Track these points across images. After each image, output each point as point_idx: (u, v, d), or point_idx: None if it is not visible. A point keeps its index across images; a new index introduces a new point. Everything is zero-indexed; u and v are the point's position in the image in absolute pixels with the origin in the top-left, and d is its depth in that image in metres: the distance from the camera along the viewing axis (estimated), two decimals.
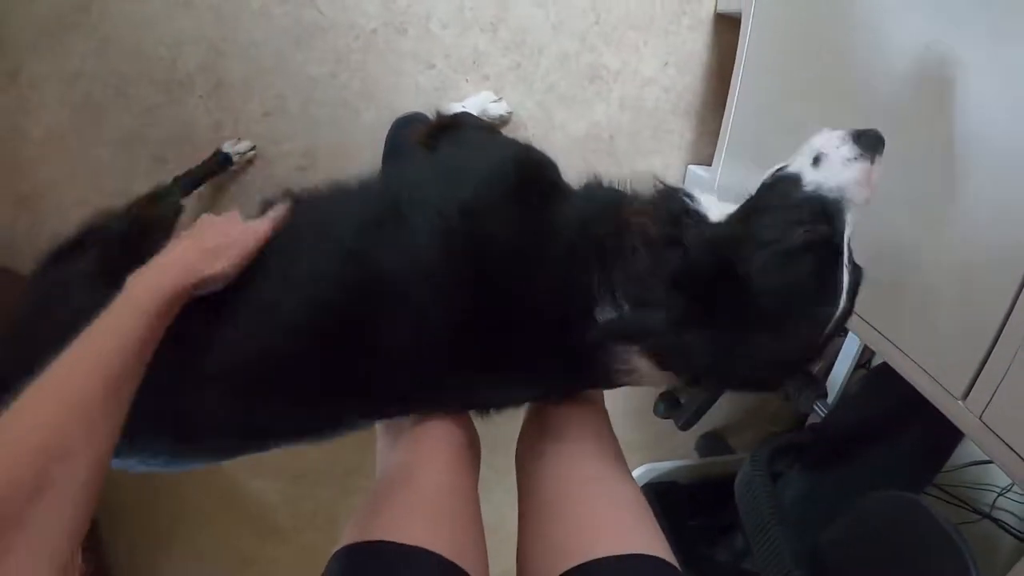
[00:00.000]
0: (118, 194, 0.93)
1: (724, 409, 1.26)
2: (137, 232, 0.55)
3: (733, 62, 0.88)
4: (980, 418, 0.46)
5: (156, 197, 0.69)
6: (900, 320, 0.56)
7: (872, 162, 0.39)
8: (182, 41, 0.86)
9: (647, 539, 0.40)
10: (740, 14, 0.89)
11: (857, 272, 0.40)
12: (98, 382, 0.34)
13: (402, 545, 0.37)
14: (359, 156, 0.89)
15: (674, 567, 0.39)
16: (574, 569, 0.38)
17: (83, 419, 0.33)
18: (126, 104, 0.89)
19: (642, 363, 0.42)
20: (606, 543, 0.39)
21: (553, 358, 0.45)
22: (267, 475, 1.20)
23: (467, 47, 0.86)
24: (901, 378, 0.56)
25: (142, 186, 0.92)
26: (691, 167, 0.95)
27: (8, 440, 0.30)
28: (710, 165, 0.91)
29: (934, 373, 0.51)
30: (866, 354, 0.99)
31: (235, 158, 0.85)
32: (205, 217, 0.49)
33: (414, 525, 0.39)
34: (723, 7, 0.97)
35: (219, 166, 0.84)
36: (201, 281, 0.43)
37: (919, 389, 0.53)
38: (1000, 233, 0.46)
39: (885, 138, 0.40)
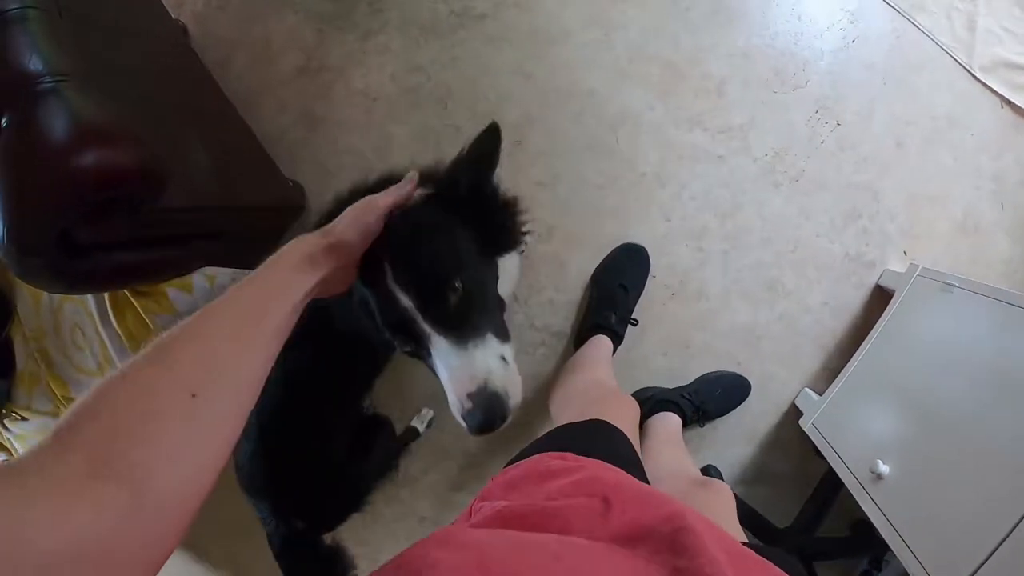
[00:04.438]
0: (388, 166, 1.14)
1: None
2: None
3: (872, 327, 1.07)
4: None
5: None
6: (916, 527, 0.74)
7: None
8: (509, 97, 1.07)
9: None
10: (893, 292, 1.10)
11: None
12: (249, 314, 0.36)
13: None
14: (583, 244, 1.09)
15: None
16: None
17: (233, 347, 0.34)
18: (440, 110, 1.09)
19: None
20: None
21: None
22: None
23: (700, 221, 1.07)
24: None
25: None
26: (807, 389, 1.12)
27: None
28: (820, 395, 1.08)
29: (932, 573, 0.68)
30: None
31: (421, 429, 1.10)
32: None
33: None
34: (883, 282, 1.17)
35: (412, 437, 1.11)
36: (336, 241, 0.44)
37: None
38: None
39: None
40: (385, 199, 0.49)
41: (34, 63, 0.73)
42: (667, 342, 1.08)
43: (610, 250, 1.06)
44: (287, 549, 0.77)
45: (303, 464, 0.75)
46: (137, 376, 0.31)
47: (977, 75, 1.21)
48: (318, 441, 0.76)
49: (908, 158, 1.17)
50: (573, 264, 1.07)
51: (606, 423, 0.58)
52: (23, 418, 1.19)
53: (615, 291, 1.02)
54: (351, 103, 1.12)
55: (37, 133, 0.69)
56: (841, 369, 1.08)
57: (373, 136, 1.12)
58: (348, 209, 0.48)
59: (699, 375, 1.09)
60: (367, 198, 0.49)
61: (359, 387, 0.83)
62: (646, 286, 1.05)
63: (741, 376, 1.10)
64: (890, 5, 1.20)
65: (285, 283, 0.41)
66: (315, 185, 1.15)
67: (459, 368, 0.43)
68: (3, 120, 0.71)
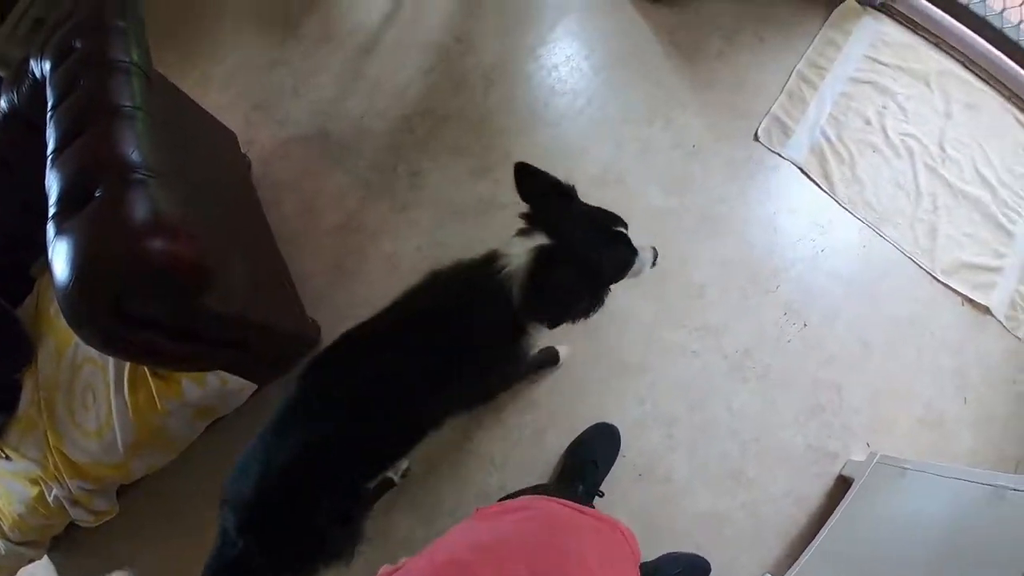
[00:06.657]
0: None
1: None
2: None
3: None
4: None
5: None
6: None
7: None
8: None
9: None
10: (853, 480, 1.17)
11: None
12: None
13: None
14: (563, 418, 1.19)
15: None
16: None
17: None
18: None
19: None
20: None
21: None
22: None
23: (672, 410, 1.19)
24: None
25: None
26: (767, 574, 1.17)
27: None
28: None
29: None
30: None
31: (396, 479, 1.21)
32: None
33: None
34: (846, 472, 1.24)
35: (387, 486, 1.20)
36: None
37: None
38: None
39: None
40: None
41: (135, 155, 0.92)
42: (631, 519, 1.14)
43: (586, 427, 1.17)
44: (224, 570, 0.80)
45: (297, 504, 0.80)
46: None
47: (939, 278, 1.34)
48: (320, 493, 0.82)
49: (872, 356, 1.29)
50: (551, 435, 1.18)
51: None
52: (6, 457, 1.25)
53: (586, 465, 1.12)
54: (377, 264, 1.30)
55: (123, 212, 0.85)
56: (799, 557, 1.14)
57: (390, 296, 1.27)
58: None
59: (661, 554, 1.16)
60: None
61: (384, 461, 0.96)
62: (616, 464, 1.15)
63: (702, 557, 1.16)
64: (859, 219, 1.37)
65: None
66: (330, 327, 1.30)
67: (644, 249, 0.93)
68: (97, 191, 0.89)
